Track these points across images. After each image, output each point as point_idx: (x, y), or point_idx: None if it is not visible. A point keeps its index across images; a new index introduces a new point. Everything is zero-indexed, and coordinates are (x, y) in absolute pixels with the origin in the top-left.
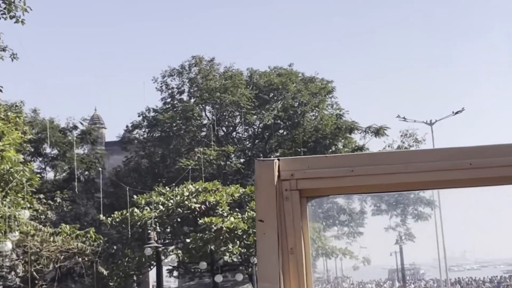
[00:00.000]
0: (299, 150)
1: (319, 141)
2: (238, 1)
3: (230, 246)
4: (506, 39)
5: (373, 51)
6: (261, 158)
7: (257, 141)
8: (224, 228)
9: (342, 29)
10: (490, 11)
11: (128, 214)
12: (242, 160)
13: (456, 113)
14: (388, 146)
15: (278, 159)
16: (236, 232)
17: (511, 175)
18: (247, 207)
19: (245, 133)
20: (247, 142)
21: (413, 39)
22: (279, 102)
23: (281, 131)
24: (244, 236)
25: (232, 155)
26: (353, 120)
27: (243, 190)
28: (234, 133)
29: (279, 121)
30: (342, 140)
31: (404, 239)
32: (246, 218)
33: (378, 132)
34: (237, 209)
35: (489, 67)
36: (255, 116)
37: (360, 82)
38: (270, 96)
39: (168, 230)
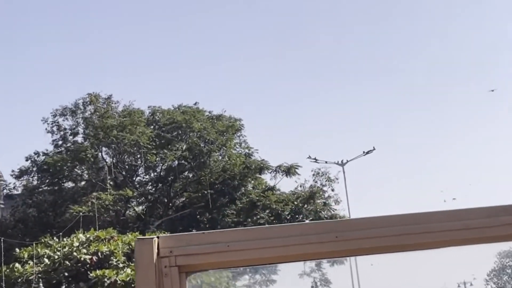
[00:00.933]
0: (206, 192)
1: (226, 183)
2: (139, 38)
3: None
4: (417, 76)
5: (281, 90)
6: (140, 237)
7: (160, 184)
8: (119, 282)
9: (251, 66)
10: (399, 46)
11: (6, 270)
12: (143, 206)
13: (367, 152)
14: (300, 186)
15: (158, 237)
16: (133, 285)
17: (375, 246)
18: None
19: (147, 176)
20: (149, 186)
21: (321, 78)
22: (183, 142)
23: (186, 172)
24: None
25: (133, 200)
26: (262, 159)
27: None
28: (135, 176)
29: (184, 162)
30: (252, 181)
31: (319, 285)
32: None
33: (289, 171)
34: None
35: (399, 105)
36: (158, 158)
37: (271, 121)
38: (174, 135)
39: (63, 286)
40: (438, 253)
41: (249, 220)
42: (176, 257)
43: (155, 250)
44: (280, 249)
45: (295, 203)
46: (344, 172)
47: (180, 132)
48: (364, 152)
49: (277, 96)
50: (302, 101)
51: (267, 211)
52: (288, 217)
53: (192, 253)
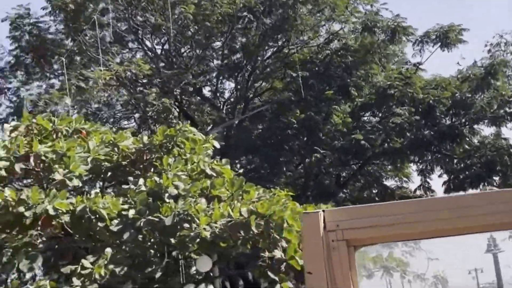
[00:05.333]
0: (294, 75)
1: (333, 61)
2: None
3: None
4: None
5: None
6: (307, 211)
7: (232, 63)
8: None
9: None
10: None
11: None
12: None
13: None
14: (466, 70)
15: (323, 211)
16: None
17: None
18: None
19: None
20: (215, 73)
21: None
22: None
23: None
24: None
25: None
26: (396, 15)
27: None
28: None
29: (253, 20)
30: (379, 57)
31: None
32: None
33: (446, 39)
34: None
35: None
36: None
37: None
38: None
39: None
40: None
41: (374, 120)
42: (343, 231)
43: (322, 224)
44: (453, 221)
45: (460, 90)
46: None
47: None
48: None
49: None
50: None
51: (406, 105)
52: (445, 115)
53: (359, 227)
